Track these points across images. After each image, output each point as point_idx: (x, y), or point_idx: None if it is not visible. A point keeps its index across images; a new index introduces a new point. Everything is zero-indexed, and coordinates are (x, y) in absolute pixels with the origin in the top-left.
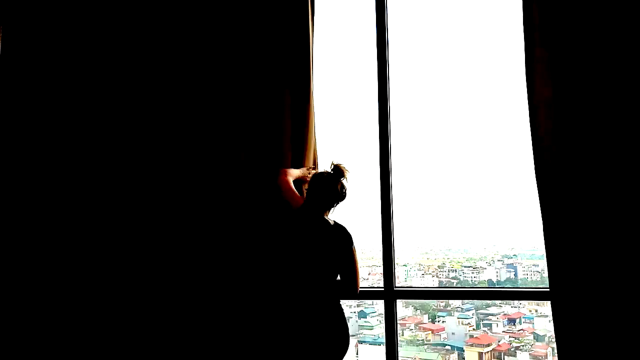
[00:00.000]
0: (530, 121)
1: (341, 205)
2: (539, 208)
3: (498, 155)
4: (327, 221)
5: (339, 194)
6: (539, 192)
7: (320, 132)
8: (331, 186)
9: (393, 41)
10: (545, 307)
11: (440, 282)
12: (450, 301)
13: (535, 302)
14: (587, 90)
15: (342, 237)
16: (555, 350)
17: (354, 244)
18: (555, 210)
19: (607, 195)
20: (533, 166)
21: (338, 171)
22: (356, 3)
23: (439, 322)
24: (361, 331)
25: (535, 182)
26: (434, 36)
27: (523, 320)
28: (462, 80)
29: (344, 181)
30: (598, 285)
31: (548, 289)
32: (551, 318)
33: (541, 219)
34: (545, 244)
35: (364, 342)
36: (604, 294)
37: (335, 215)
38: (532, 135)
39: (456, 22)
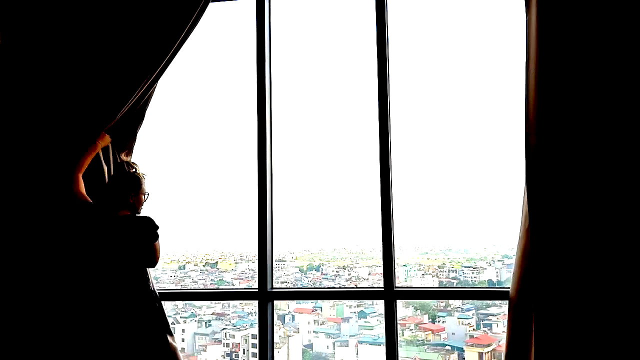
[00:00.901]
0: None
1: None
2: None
3: (498, 155)
4: (117, 215)
5: (120, 187)
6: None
7: (316, 132)
8: (113, 182)
9: (393, 39)
10: None
11: (440, 282)
12: (450, 301)
13: None
14: (576, 92)
15: (142, 230)
16: None
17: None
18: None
19: (587, 202)
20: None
21: (120, 167)
22: (356, 2)
23: (439, 322)
24: (361, 331)
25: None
26: (433, 34)
27: None
28: (463, 79)
29: (139, 173)
30: (561, 292)
31: None
32: None
33: (523, 221)
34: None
35: (364, 342)
36: (577, 298)
37: (334, 214)
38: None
39: (456, 21)
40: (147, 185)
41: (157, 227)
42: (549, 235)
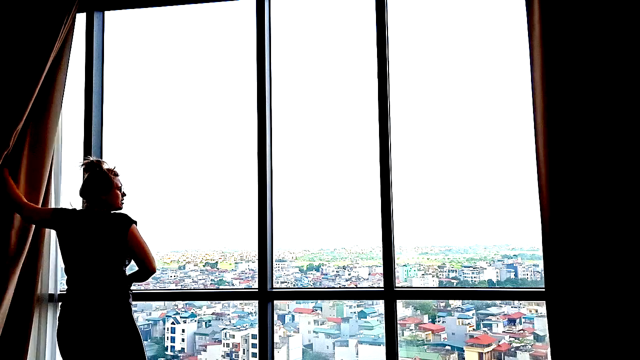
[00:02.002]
0: (534, 119)
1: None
2: (539, 210)
3: (498, 155)
4: (94, 213)
5: (90, 187)
6: (539, 194)
7: (316, 132)
8: (84, 182)
9: (393, 39)
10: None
11: (440, 282)
12: (450, 301)
13: (536, 302)
14: (584, 90)
15: (112, 225)
16: None
17: (133, 226)
18: (555, 212)
19: (604, 198)
20: (534, 166)
21: (89, 166)
22: (356, 2)
23: (439, 322)
24: (361, 331)
25: (537, 183)
26: (433, 34)
27: (523, 320)
28: (463, 78)
29: (107, 169)
30: (592, 287)
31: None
32: None
33: (540, 220)
34: (543, 245)
35: (364, 342)
36: (598, 296)
37: (334, 214)
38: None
39: (456, 20)
40: (122, 180)
41: (130, 222)
42: (573, 233)
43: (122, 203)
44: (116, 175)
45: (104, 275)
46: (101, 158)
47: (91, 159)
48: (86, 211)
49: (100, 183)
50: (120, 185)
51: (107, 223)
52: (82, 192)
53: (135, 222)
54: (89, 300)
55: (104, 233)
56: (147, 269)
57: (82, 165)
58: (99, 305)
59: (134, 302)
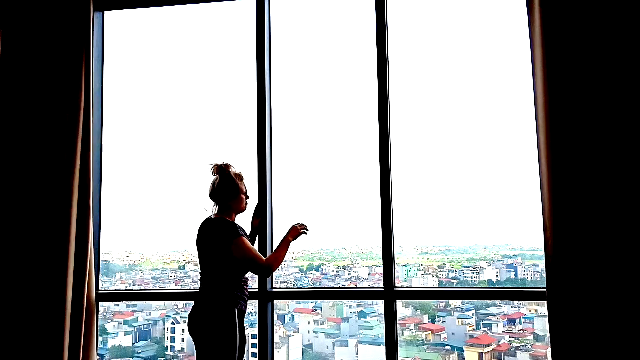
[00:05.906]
0: (535, 118)
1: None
2: (541, 210)
3: (499, 155)
4: (209, 221)
5: (217, 189)
6: (541, 194)
7: (316, 132)
8: (213, 185)
9: (393, 39)
10: (546, 307)
11: (440, 282)
12: (450, 301)
13: (535, 302)
14: (586, 89)
15: (213, 230)
16: None
17: (235, 240)
18: (557, 212)
19: (607, 198)
20: (537, 166)
21: (219, 170)
22: (356, 2)
23: (439, 322)
24: (361, 331)
25: (539, 184)
26: (433, 33)
27: (523, 320)
28: (463, 78)
29: (235, 174)
30: (594, 287)
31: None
32: None
33: (542, 220)
34: (545, 245)
35: (364, 342)
36: (600, 296)
37: (334, 214)
38: (537, 135)
39: (456, 20)
40: (247, 184)
41: (232, 237)
42: (575, 233)
43: (246, 205)
44: (242, 180)
45: (208, 280)
46: (101, 158)
47: (220, 162)
48: (206, 220)
49: (228, 188)
50: (245, 190)
51: (215, 232)
52: (211, 196)
53: (239, 235)
54: (198, 302)
55: (210, 241)
56: (260, 271)
57: (211, 168)
58: (202, 307)
59: (135, 302)
